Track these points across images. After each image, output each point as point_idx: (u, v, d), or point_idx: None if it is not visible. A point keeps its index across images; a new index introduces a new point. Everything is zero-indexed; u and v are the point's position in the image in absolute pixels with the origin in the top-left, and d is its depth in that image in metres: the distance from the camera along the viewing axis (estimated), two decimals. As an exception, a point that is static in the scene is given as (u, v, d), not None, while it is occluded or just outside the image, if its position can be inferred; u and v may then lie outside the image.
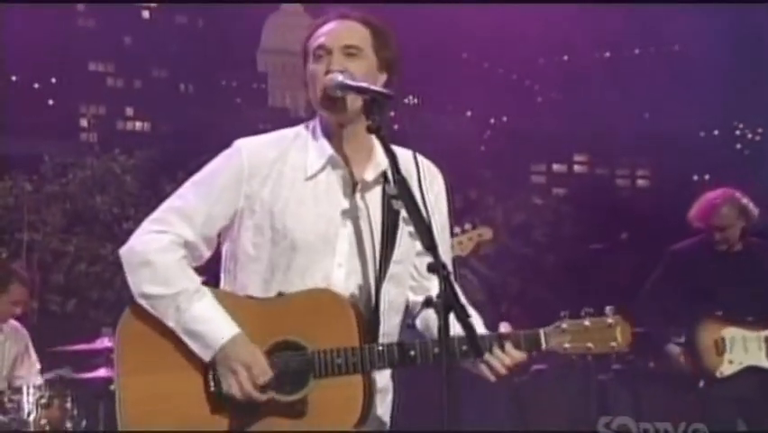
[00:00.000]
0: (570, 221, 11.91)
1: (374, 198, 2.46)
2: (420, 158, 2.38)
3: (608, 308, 2.35)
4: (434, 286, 2.47)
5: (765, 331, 4.65)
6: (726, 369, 4.67)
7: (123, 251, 2.44)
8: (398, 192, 2.31)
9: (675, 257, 4.99)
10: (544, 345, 2.33)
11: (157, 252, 2.42)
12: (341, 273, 2.42)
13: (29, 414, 4.86)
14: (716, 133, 16.66)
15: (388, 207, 2.44)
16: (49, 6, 13.97)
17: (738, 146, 16.92)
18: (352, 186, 2.43)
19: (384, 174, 2.43)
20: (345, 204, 2.45)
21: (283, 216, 2.42)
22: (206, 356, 2.35)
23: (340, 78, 2.39)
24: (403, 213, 2.40)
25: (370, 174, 2.43)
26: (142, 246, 2.43)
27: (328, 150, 2.44)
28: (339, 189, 2.44)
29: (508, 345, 2.32)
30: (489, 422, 6.44)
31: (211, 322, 2.39)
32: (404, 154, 2.45)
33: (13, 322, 5.43)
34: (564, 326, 2.33)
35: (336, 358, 2.34)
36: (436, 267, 2.18)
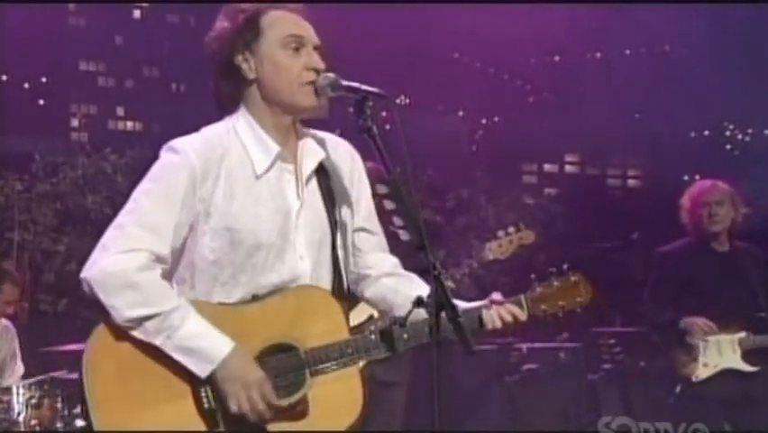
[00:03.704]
0: (561, 221, 11.91)
1: (314, 187, 2.50)
2: (340, 139, 2.47)
3: (565, 266, 2.50)
4: (375, 260, 2.57)
5: (739, 333, 4.68)
6: (702, 372, 4.71)
7: (93, 274, 2.30)
8: (390, 191, 2.34)
9: (664, 259, 5.02)
10: (526, 311, 2.45)
11: (137, 271, 2.29)
12: (306, 266, 2.45)
13: (19, 414, 4.85)
14: (706, 133, 16.68)
15: (326, 194, 2.49)
16: (39, 6, 13.90)
17: (728, 147, 16.94)
18: (297, 178, 2.47)
19: (321, 163, 2.50)
20: (295, 197, 2.48)
21: (241, 216, 2.41)
22: (204, 372, 2.30)
23: (332, 76, 2.41)
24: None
25: (310, 165, 2.48)
26: (119, 267, 2.29)
27: (274, 146, 2.47)
28: (288, 184, 2.47)
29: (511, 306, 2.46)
30: (481, 421, 6.44)
31: (207, 337, 2.32)
32: (323, 138, 2.51)
33: (3, 321, 5.42)
34: (539, 289, 2.50)
35: (331, 353, 2.35)
36: (427, 266, 2.20)
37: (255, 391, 2.27)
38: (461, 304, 2.42)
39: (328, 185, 2.49)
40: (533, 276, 2.55)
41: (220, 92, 2.53)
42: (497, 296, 2.50)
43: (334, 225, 2.47)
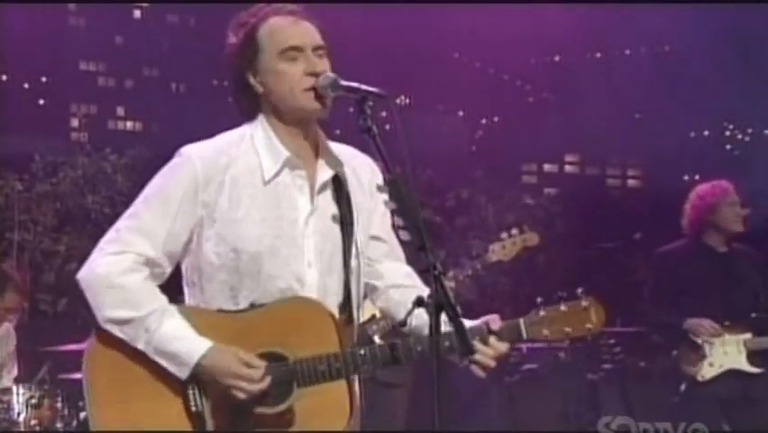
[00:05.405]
0: (561, 221, 11.91)
1: (329, 194, 2.48)
2: (361, 153, 2.46)
3: (579, 291, 2.40)
4: (386, 269, 2.55)
5: (745, 334, 4.69)
6: (707, 372, 4.72)
7: (82, 275, 2.37)
8: (390, 192, 2.33)
9: (664, 259, 5.02)
10: (524, 335, 2.38)
11: (120, 273, 2.34)
12: (313, 273, 2.43)
13: (19, 414, 4.85)
14: (706, 133, 16.70)
15: (343, 202, 2.47)
16: (39, 6, 13.91)
17: (728, 147, 16.96)
18: (311, 186, 2.45)
19: (338, 174, 2.48)
20: (306, 204, 2.47)
21: (246, 222, 2.41)
22: (183, 374, 2.33)
23: (332, 76, 2.41)
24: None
25: (324, 172, 2.47)
26: (104, 269, 2.35)
27: (283, 152, 2.46)
28: (297, 190, 2.46)
29: (492, 339, 2.36)
30: (481, 421, 6.45)
31: (183, 340, 2.33)
32: (344, 149, 2.50)
33: (5, 325, 5.41)
34: (542, 313, 2.41)
35: (319, 365, 2.34)
36: (427, 267, 2.20)
37: (244, 373, 2.28)
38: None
39: (346, 195, 2.47)
40: (539, 300, 2.42)
41: (240, 105, 2.55)
42: (494, 322, 2.38)
43: (349, 235, 2.46)
